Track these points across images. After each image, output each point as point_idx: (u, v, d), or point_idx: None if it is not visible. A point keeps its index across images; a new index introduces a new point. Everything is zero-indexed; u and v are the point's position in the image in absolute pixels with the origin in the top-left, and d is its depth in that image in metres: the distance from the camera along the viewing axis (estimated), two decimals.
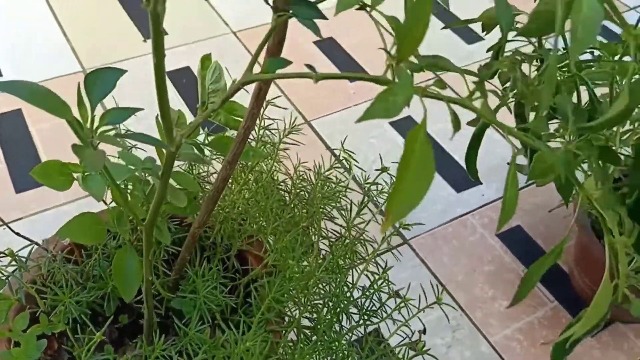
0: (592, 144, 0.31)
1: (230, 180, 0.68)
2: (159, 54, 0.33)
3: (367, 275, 0.61)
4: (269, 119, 0.67)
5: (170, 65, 1.29)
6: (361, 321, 0.59)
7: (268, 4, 0.35)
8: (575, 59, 0.22)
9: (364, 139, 1.16)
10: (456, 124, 0.28)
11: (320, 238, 0.63)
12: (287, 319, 0.61)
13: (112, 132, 0.49)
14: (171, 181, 0.57)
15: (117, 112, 0.39)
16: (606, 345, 0.90)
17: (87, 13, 1.39)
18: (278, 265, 0.61)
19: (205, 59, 0.58)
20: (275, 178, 0.69)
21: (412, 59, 0.38)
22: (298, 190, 0.68)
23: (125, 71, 0.42)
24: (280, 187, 0.70)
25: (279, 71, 0.36)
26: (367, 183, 0.65)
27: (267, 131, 0.70)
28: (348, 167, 0.72)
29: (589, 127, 0.27)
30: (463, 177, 1.12)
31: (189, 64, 1.28)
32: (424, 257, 0.99)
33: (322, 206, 0.63)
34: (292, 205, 0.66)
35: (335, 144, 1.15)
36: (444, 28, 0.64)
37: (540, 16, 0.28)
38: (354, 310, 0.61)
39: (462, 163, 1.14)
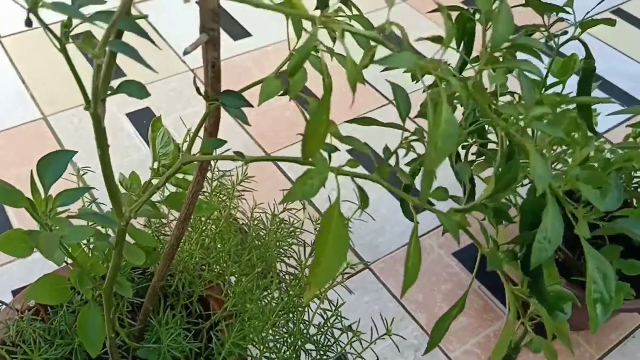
0: (486, 206, 0.35)
1: (189, 228, 0.72)
2: (102, 147, 0.37)
3: (320, 314, 0.65)
4: (219, 171, 0.71)
5: (130, 106, 1.32)
6: (318, 356, 0.63)
7: (200, 93, 0.39)
8: (435, 168, 0.27)
9: None
10: (364, 203, 0.32)
11: (277, 279, 0.67)
12: (249, 359, 0.64)
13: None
14: (129, 238, 0.60)
15: (69, 194, 0.42)
16: (558, 353, 0.96)
17: (45, 59, 1.41)
18: (238, 308, 0.65)
19: (156, 121, 0.61)
20: (234, 218, 0.73)
21: (329, 139, 0.42)
22: (255, 233, 0.71)
23: (76, 152, 0.46)
24: (239, 228, 0.73)
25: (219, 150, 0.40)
26: (318, 223, 0.70)
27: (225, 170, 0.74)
28: (302, 206, 0.77)
29: (462, 210, 0.32)
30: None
31: (148, 105, 1.31)
32: (384, 280, 1.04)
33: (276, 250, 0.67)
34: (249, 248, 0.70)
35: (295, 175, 1.19)
36: (383, 71, 0.69)
37: None
38: (312, 346, 0.65)
39: (417, 185, 1.19)
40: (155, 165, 0.59)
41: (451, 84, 0.26)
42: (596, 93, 1.46)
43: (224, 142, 0.41)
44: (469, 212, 0.33)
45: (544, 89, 0.81)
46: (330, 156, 0.37)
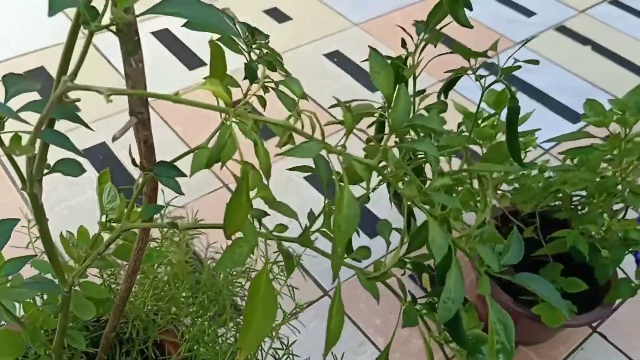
0: (404, 262, 0.38)
1: (142, 274, 0.73)
2: (40, 222, 0.39)
3: (272, 354, 0.67)
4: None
5: (87, 142, 1.32)
6: None
7: (135, 164, 0.41)
8: (341, 247, 0.30)
9: (280, 196, 1.23)
10: (289, 268, 0.35)
11: (230, 319, 0.69)
12: None
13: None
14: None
15: (12, 264, 0.44)
16: None
17: None
18: (193, 351, 0.66)
19: (103, 175, 0.63)
20: (191, 256, 0.75)
21: (261, 203, 0.45)
22: (207, 275, 0.73)
23: (19, 220, 0.47)
24: (193, 270, 0.75)
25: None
26: (270, 262, 0.72)
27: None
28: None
29: (374, 277, 0.35)
30: (375, 223, 1.20)
31: (105, 139, 1.32)
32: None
33: (229, 291, 0.69)
34: (202, 290, 0.72)
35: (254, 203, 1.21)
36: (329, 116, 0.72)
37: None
38: None
39: (374, 210, 1.23)
40: (103, 218, 0.61)
41: (353, 166, 0.29)
42: (539, 110, 1.52)
43: (162, 207, 0.43)
44: (389, 269, 0.36)
45: (480, 120, 0.86)
46: (260, 222, 0.39)
